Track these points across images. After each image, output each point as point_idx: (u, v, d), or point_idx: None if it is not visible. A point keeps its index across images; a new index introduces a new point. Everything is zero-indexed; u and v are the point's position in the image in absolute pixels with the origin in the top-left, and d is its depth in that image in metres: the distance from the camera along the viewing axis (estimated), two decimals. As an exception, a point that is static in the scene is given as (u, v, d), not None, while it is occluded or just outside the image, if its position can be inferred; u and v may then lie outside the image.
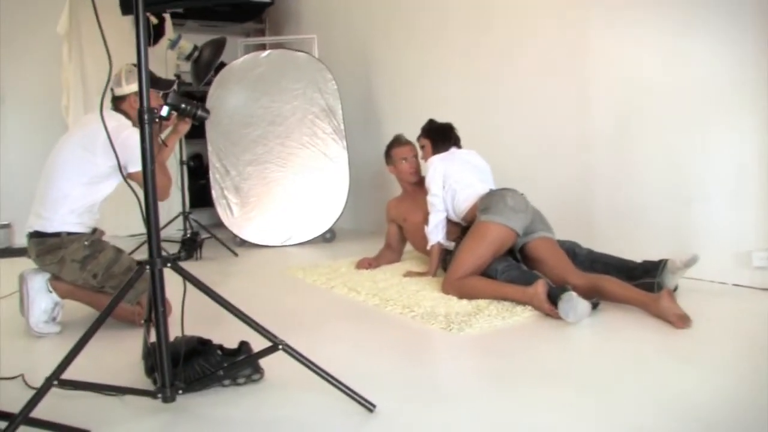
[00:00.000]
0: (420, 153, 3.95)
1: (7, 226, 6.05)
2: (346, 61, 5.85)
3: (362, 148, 5.57)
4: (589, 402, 1.97)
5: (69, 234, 2.90)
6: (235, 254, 4.84)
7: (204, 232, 5.05)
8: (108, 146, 2.27)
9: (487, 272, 3.22)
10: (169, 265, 1.94)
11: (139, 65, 1.90)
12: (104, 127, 2.11)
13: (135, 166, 2.73)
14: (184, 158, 5.16)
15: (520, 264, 3.26)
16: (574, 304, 2.71)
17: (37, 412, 1.72)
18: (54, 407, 1.86)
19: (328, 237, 5.30)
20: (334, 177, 5.29)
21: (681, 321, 2.61)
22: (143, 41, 1.89)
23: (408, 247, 4.22)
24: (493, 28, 4.43)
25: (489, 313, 2.87)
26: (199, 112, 2.84)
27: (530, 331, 2.73)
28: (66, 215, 2.91)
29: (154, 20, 5.38)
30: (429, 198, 3.68)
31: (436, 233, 3.66)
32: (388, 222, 4.18)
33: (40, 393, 1.70)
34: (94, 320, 1.86)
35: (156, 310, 1.93)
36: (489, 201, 3.35)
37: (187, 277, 1.98)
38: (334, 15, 6.13)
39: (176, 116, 2.91)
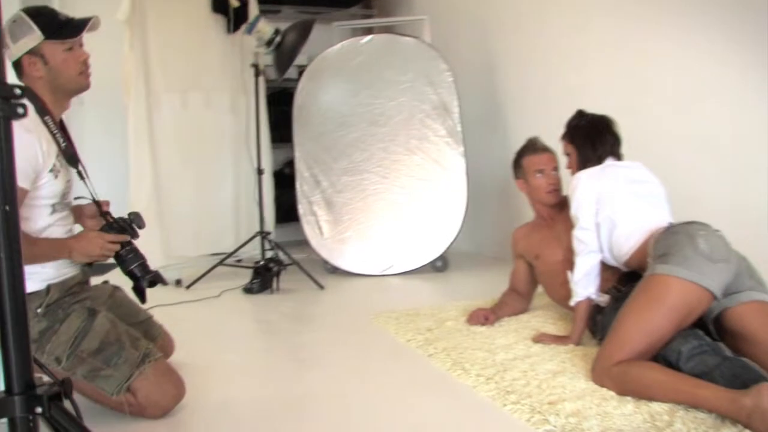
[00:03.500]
0: (564, 162, 2.81)
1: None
2: (463, 48, 4.77)
3: (484, 154, 4.48)
4: None
5: None
6: (321, 287, 3.89)
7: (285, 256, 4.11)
8: None
9: (664, 355, 2.06)
10: (39, 410, 0.96)
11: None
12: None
13: None
14: (263, 166, 4.24)
15: (718, 344, 2.07)
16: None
17: None
18: None
19: (439, 266, 4.25)
20: (449, 190, 4.23)
21: None
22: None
23: (540, 287, 3.09)
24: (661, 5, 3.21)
25: (676, 436, 1.73)
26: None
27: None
28: None
29: (234, 2, 4.53)
30: (576, 233, 2.54)
31: (585, 285, 2.51)
32: (515, 258, 3.06)
33: None
34: None
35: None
36: (670, 243, 2.18)
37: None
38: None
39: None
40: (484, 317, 2.86)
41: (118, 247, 1.96)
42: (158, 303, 3.56)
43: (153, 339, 2.33)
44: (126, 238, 1.99)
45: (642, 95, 3.33)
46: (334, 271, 4.29)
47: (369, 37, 4.47)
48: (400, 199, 4.27)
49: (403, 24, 4.96)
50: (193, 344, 2.76)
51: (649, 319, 2.06)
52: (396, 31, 4.78)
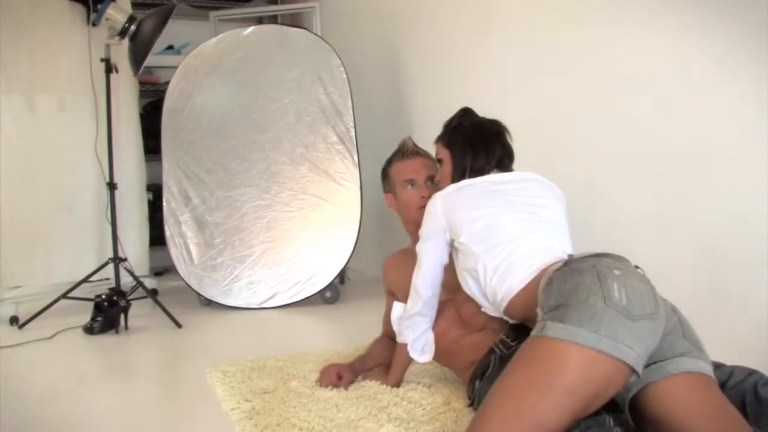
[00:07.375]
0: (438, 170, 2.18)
1: None
2: (360, 40, 4.15)
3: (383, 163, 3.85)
4: None
5: None
6: (178, 325, 3.21)
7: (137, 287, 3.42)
8: None
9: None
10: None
11: None
12: None
13: None
14: (120, 178, 3.53)
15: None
16: None
17: None
18: None
19: (329, 297, 3.60)
20: (341, 206, 3.60)
21: None
22: None
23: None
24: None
25: None
26: None
27: None
28: None
29: (93, -10, 3.81)
30: (418, 249, 2.01)
31: (413, 329, 1.99)
32: (387, 293, 2.43)
33: None
34: None
35: None
36: (569, 288, 1.52)
37: None
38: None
39: None
40: (337, 376, 2.20)
41: None
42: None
43: None
44: None
45: (570, 100, 2.73)
46: (209, 303, 3.62)
47: (251, 28, 3.83)
48: (282, 217, 3.62)
49: (294, 14, 4.32)
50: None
51: (534, 405, 1.40)
52: (283, 22, 4.15)
